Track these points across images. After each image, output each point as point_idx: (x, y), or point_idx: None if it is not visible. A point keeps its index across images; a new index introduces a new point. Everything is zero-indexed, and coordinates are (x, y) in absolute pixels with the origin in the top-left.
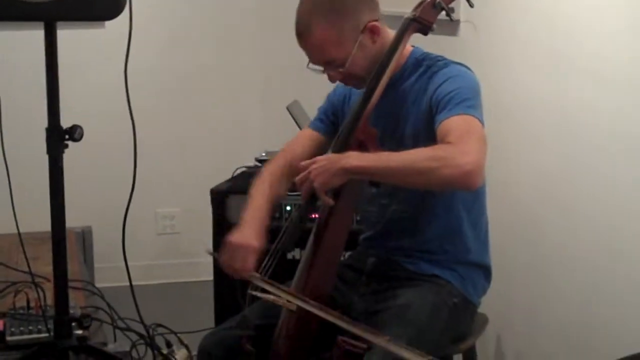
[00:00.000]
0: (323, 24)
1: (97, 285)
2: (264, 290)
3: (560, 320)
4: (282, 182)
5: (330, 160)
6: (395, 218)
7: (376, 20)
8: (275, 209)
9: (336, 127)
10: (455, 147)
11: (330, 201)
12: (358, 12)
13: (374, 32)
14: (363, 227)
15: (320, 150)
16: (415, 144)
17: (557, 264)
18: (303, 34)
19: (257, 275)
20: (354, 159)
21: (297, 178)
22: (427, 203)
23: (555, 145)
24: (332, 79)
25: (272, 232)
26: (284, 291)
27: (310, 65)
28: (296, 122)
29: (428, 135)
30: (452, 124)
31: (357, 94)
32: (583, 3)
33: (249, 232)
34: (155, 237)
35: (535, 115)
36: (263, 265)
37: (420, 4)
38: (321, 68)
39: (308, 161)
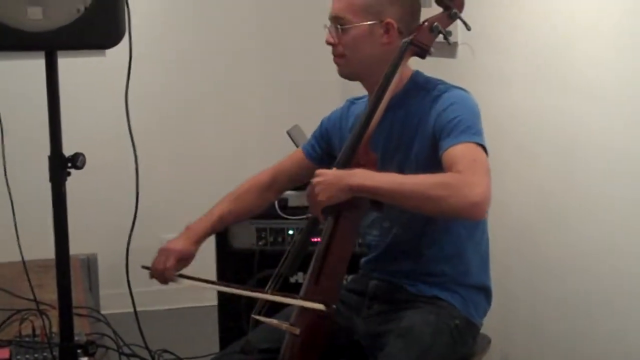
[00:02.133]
0: None
1: (103, 311)
2: (266, 315)
3: (564, 336)
4: (259, 196)
5: (336, 175)
6: (397, 241)
7: (398, 28)
8: (234, 221)
9: (326, 154)
10: (464, 178)
11: (323, 218)
12: (391, 4)
13: (387, 30)
14: (365, 250)
15: (306, 172)
16: (417, 168)
17: (558, 280)
18: None
19: (176, 273)
20: (360, 177)
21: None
22: (428, 226)
23: (552, 162)
24: (327, 37)
25: (274, 256)
26: (204, 281)
27: (328, 25)
28: (297, 147)
29: (430, 160)
30: (459, 152)
31: (352, 118)
32: (578, 23)
33: (177, 240)
34: None
35: (532, 133)
36: (265, 289)
37: (417, 27)
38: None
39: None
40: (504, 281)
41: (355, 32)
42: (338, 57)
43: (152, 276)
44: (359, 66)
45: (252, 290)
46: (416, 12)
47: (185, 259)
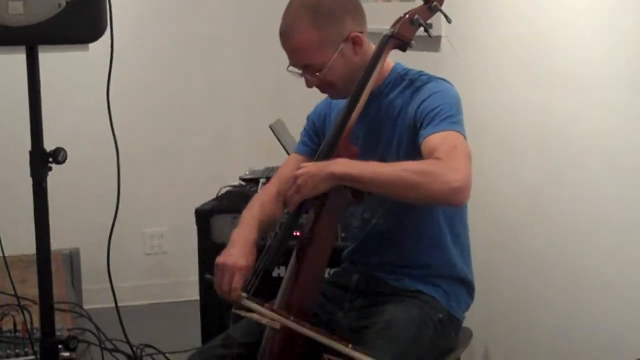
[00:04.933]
0: (308, 26)
1: (86, 306)
2: (249, 310)
3: (546, 331)
4: (275, 206)
5: (317, 166)
6: (377, 232)
7: (361, 32)
8: (267, 230)
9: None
10: (444, 164)
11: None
12: (343, 20)
13: (356, 42)
14: (347, 243)
15: None
16: (398, 159)
17: (540, 275)
18: (286, 34)
19: (245, 295)
20: (342, 165)
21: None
22: (408, 218)
23: (536, 158)
24: (308, 84)
25: (257, 250)
26: (274, 312)
27: (290, 67)
28: (279, 141)
29: (411, 150)
30: (439, 139)
31: (336, 111)
32: (562, 18)
33: (236, 252)
34: (143, 257)
35: (516, 129)
36: (246, 283)
37: (398, 21)
38: (300, 71)
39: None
40: (487, 276)
41: (332, 67)
42: (326, 90)
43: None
44: (348, 83)
45: (329, 337)
46: (358, 5)
47: (248, 273)
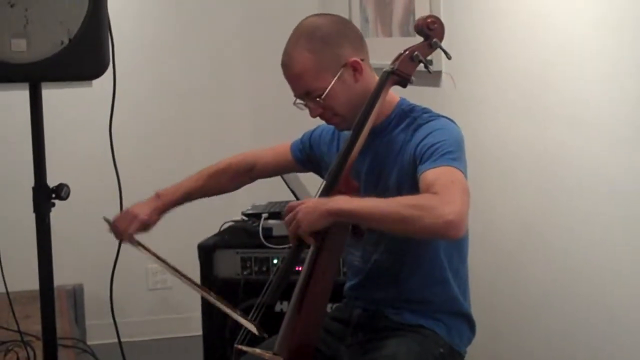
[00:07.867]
0: (304, 52)
1: (90, 342)
2: (249, 344)
3: None
4: (231, 180)
5: (318, 202)
6: (378, 268)
7: (362, 60)
8: (201, 197)
9: (308, 160)
10: (438, 197)
11: (313, 240)
12: (340, 46)
13: (355, 68)
14: (348, 275)
15: (287, 171)
16: (399, 196)
17: (541, 304)
18: (286, 64)
19: (135, 239)
20: (340, 202)
21: (285, 219)
22: (410, 253)
23: (536, 189)
24: (312, 113)
25: (259, 285)
26: (157, 257)
27: (297, 101)
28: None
29: (411, 187)
30: (436, 174)
31: (339, 140)
32: (559, 49)
33: (146, 207)
34: (147, 292)
35: (516, 160)
36: (249, 317)
37: (398, 57)
38: (305, 103)
39: (296, 202)
40: (489, 308)
41: (332, 92)
42: (332, 119)
43: (110, 230)
44: (353, 112)
45: (198, 286)
46: (359, 35)
47: (147, 227)
